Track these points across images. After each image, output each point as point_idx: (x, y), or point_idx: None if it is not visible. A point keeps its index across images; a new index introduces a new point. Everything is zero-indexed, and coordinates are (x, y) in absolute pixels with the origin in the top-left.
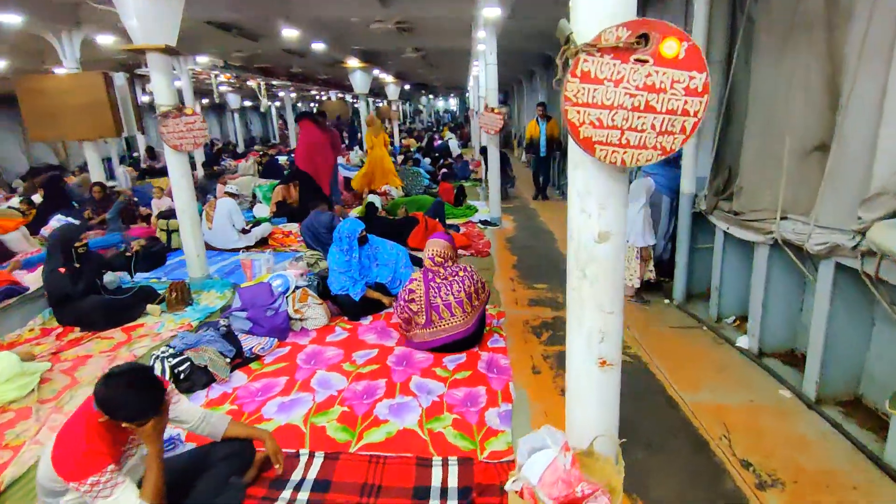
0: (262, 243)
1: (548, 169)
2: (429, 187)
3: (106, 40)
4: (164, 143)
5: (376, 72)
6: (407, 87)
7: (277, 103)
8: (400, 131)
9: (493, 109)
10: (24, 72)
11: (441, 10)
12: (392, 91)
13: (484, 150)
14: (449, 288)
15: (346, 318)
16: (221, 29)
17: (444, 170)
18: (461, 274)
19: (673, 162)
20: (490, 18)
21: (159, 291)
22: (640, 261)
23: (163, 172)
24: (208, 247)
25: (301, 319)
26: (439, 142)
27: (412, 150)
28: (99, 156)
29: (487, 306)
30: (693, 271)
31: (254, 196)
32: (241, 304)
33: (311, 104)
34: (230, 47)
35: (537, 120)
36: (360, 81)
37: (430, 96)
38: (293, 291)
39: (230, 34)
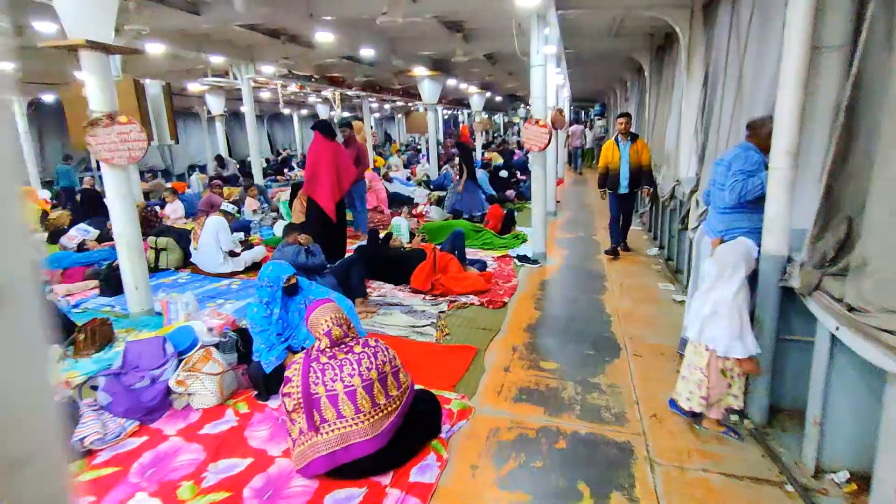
0: (257, 268)
1: (630, 212)
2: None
3: (155, 49)
4: (93, 157)
5: (453, 82)
6: (498, 98)
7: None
8: (484, 144)
9: (537, 121)
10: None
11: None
12: (476, 102)
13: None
14: (337, 372)
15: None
16: (269, 36)
17: (510, 189)
18: (360, 350)
19: (754, 202)
20: (530, 6)
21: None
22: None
23: (232, 181)
24: (196, 270)
25: (187, 394)
26: (519, 156)
27: (492, 164)
28: (135, 164)
29: (454, 395)
30: (780, 373)
31: (277, 211)
32: (121, 364)
33: (399, 115)
34: (288, 54)
35: (617, 140)
36: (428, 91)
37: (528, 108)
38: (196, 351)
39: (279, 41)
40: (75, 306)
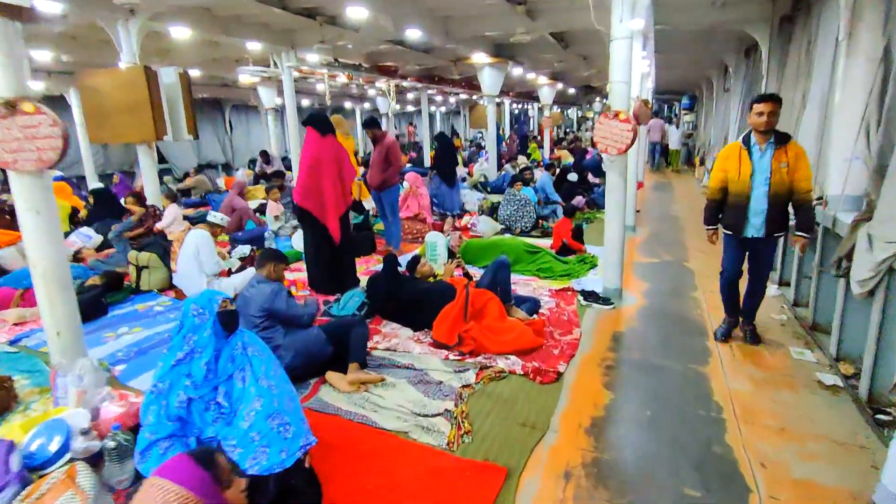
0: None
1: (764, 270)
2: (543, 220)
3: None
4: None
5: (519, 71)
6: (571, 90)
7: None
8: (553, 140)
9: (616, 114)
10: (90, 66)
11: None
12: (546, 94)
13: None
14: None
15: None
16: (305, 17)
17: (578, 196)
18: None
19: None
20: None
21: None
22: None
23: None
24: (180, 295)
25: None
26: (592, 155)
27: (560, 164)
28: (153, 160)
29: None
30: None
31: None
32: None
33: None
34: (326, 38)
35: (747, 143)
36: (489, 80)
37: (605, 101)
38: (58, 467)
39: (315, 22)
40: (13, 341)
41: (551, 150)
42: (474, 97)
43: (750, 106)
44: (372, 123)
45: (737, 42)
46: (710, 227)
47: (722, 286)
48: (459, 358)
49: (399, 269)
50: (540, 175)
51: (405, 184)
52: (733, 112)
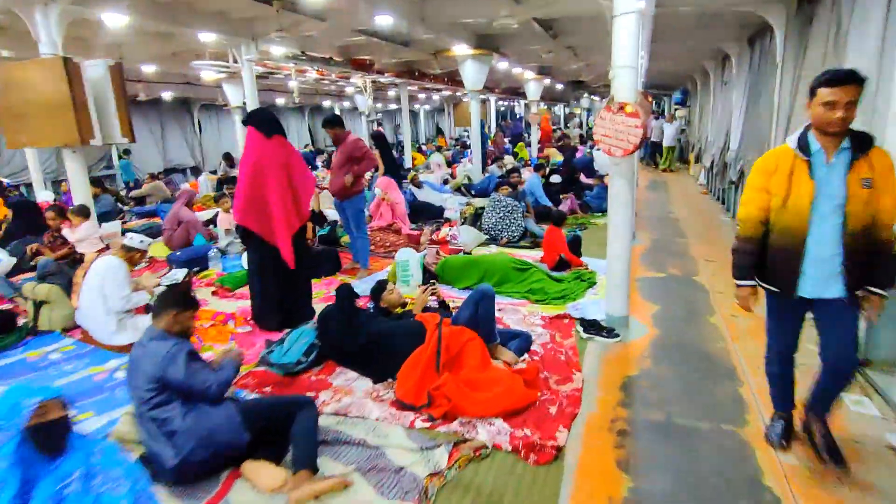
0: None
1: (841, 343)
2: (530, 234)
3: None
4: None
5: (504, 65)
6: (560, 86)
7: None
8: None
9: (622, 107)
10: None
11: None
12: (533, 90)
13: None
14: None
15: None
16: (263, 2)
17: (566, 196)
18: None
19: None
20: None
21: None
22: None
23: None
24: (88, 338)
25: None
26: (582, 153)
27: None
28: (82, 166)
29: None
30: None
31: None
32: None
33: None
34: (285, 25)
35: (807, 150)
36: (472, 74)
37: (593, 98)
38: None
39: (271, 8)
40: None
41: (538, 149)
42: (458, 93)
43: (811, 91)
44: (333, 122)
45: (738, 29)
46: (745, 282)
47: (770, 373)
48: (429, 425)
49: (355, 301)
50: (528, 177)
51: (376, 190)
52: (736, 107)
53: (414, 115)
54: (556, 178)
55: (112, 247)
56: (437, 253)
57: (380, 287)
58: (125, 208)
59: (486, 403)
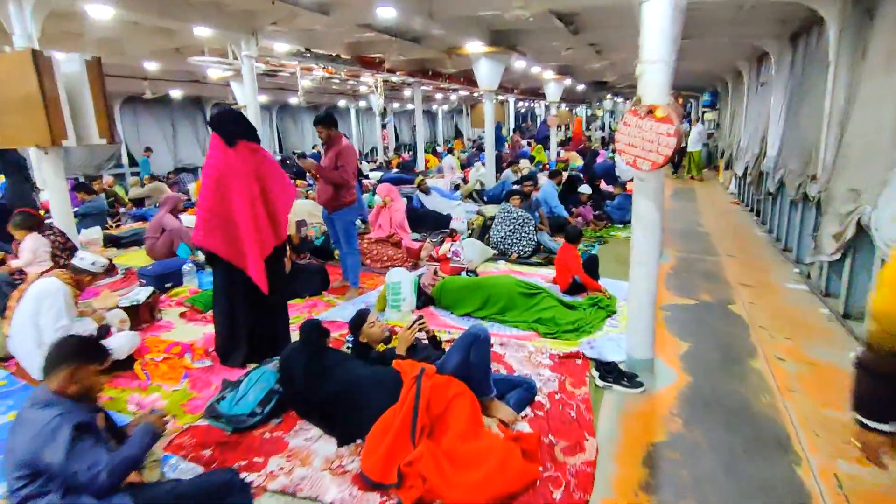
0: (123, 366)
1: None
2: (544, 249)
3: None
4: None
5: (521, 63)
6: (581, 87)
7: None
8: (561, 141)
9: (651, 111)
10: None
11: None
12: (553, 90)
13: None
14: None
15: None
16: None
17: (583, 206)
18: None
19: None
20: None
21: None
22: None
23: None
24: (22, 373)
25: None
26: (604, 157)
27: (568, 168)
28: (57, 168)
29: None
30: None
31: None
32: None
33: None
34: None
35: None
36: (486, 73)
37: (617, 99)
38: None
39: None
40: None
41: (558, 153)
42: (475, 94)
43: None
44: (325, 121)
45: (779, 24)
46: (881, 426)
47: None
48: None
49: (326, 338)
50: (542, 184)
51: (376, 198)
52: (775, 112)
53: (432, 115)
54: (584, 189)
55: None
56: (435, 273)
57: (359, 319)
58: (122, 210)
59: (471, 487)
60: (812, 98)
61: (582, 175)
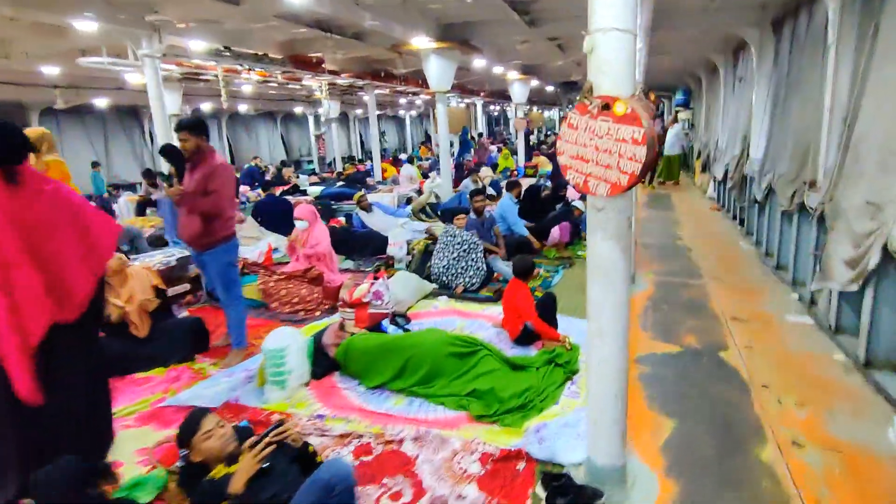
0: None
1: None
2: (500, 279)
3: None
4: None
5: (482, 62)
6: (550, 88)
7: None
8: (534, 145)
9: (607, 106)
10: None
11: None
12: (518, 92)
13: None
14: None
15: None
16: None
17: (557, 223)
18: None
19: None
20: None
21: None
22: None
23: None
24: None
25: None
26: None
27: (537, 173)
28: None
29: None
30: None
31: None
32: None
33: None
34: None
35: None
36: (436, 72)
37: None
38: None
39: None
40: None
41: (525, 159)
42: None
43: None
44: (193, 128)
45: (758, 11)
46: None
47: None
48: None
49: (99, 481)
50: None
51: (298, 223)
52: (758, 108)
53: (399, 120)
54: (579, 204)
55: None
56: (342, 328)
57: (188, 427)
58: None
59: None
60: (805, 90)
61: (549, 182)
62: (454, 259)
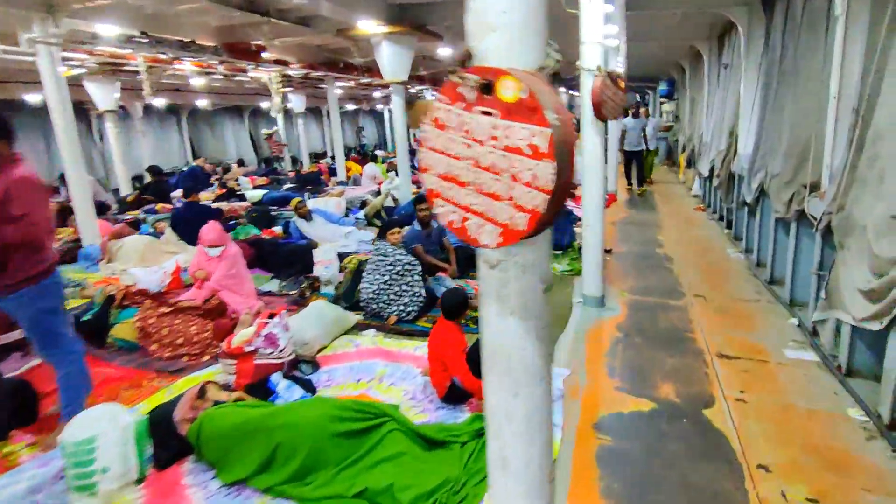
0: None
1: None
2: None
3: None
4: None
5: (447, 50)
6: None
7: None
8: None
9: (488, 86)
10: None
11: None
12: None
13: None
14: None
15: None
16: None
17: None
18: None
19: None
20: None
21: None
22: None
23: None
24: None
25: None
26: None
27: None
28: None
29: None
30: None
31: None
32: None
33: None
34: None
35: None
36: (390, 60)
37: (573, 93)
38: None
39: None
40: None
41: None
42: (413, 89)
43: None
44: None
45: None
46: None
47: None
48: None
49: None
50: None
51: (209, 250)
52: (746, 98)
53: (378, 115)
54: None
55: None
56: (201, 395)
57: None
58: None
59: None
60: (803, 76)
61: None
62: (385, 284)
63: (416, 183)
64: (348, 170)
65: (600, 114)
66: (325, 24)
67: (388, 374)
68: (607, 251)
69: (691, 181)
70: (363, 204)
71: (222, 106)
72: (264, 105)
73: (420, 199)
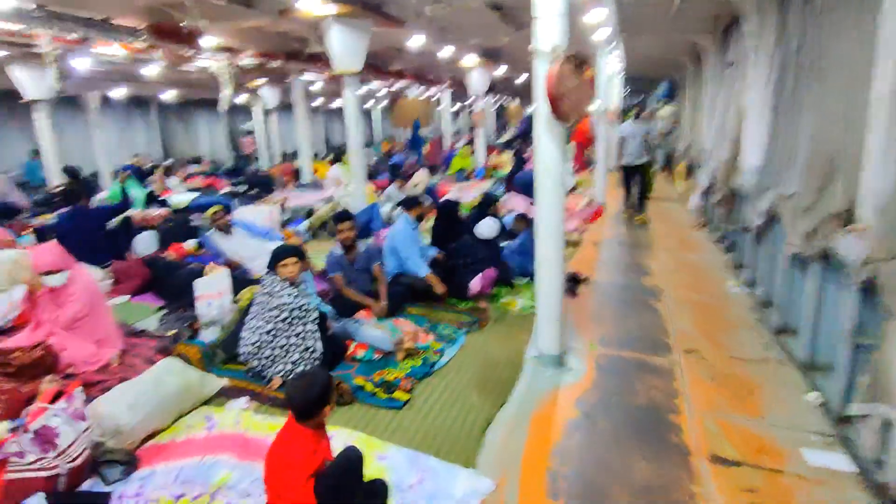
0: None
1: None
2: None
3: None
4: None
5: (421, 40)
6: (524, 77)
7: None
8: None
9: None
10: None
11: None
12: (477, 80)
13: None
14: None
15: None
16: None
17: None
18: None
19: None
20: None
21: None
22: None
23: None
24: None
25: None
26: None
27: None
28: None
29: None
30: None
31: None
32: None
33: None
34: None
35: None
36: (341, 47)
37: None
38: None
39: None
40: None
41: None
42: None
43: None
44: None
45: None
46: None
47: None
48: None
49: None
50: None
51: (47, 279)
52: (753, 101)
53: (365, 113)
54: (486, 229)
55: None
56: None
57: None
58: None
59: None
60: (829, 72)
61: (505, 189)
62: (267, 334)
63: (382, 188)
64: (316, 171)
65: (559, 111)
66: (268, 5)
67: (230, 482)
68: (582, 280)
69: (689, 193)
70: (310, 213)
71: (195, 99)
72: (240, 99)
73: (341, 216)
